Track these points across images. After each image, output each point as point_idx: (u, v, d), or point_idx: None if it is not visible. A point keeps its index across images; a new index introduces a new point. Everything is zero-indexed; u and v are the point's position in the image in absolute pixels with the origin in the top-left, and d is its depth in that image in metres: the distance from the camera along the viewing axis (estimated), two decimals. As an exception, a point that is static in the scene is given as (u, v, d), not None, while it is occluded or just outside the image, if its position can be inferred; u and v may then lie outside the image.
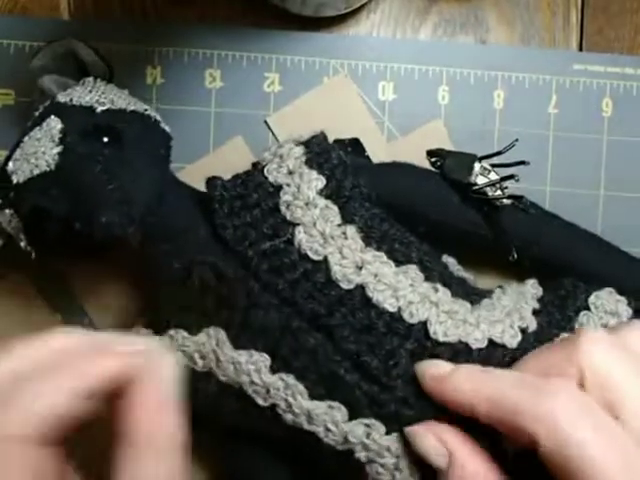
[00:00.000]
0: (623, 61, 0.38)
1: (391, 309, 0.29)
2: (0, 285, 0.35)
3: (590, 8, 0.39)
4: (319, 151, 0.31)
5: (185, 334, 0.29)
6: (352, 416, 0.28)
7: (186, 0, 0.37)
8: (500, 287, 0.33)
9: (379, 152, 0.36)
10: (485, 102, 0.38)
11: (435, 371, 0.28)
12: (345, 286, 0.29)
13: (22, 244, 0.29)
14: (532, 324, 0.30)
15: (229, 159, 0.36)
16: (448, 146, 0.37)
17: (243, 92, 0.37)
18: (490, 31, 0.39)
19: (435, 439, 0.26)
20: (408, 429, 0.27)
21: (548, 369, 0.25)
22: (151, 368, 0.23)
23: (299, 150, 0.31)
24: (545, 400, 0.23)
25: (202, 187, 0.31)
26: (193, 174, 0.36)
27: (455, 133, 0.37)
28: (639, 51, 0.39)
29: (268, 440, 0.30)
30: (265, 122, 0.37)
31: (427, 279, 0.30)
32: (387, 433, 0.28)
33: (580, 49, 0.39)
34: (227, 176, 0.32)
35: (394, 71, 0.37)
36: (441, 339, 0.29)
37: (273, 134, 0.37)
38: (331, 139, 0.32)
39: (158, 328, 0.30)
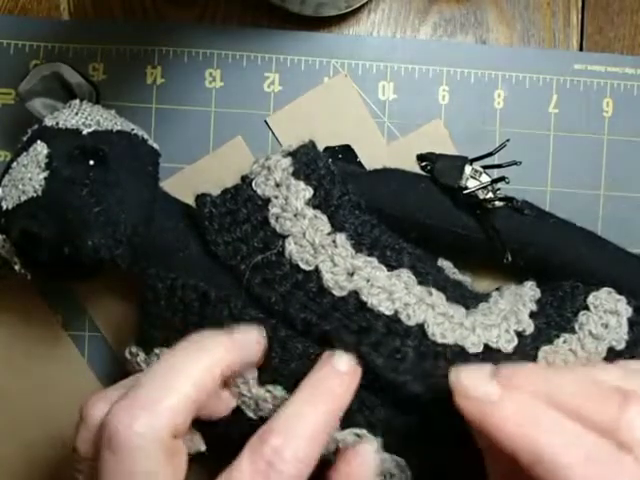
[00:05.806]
0: (623, 61, 0.38)
1: (387, 312, 0.29)
2: (0, 285, 0.35)
3: (590, 8, 0.39)
4: (306, 161, 0.31)
5: None
6: (344, 424, 0.28)
7: (186, 0, 0.37)
8: (497, 290, 0.33)
9: (379, 152, 0.36)
10: (485, 102, 0.38)
11: (476, 391, 0.24)
12: (338, 293, 0.29)
13: (17, 267, 0.30)
14: (529, 327, 0.30)
15: (229, 159, 0.36)
16: (448, 146, 0.37)
17: (243, 92, 0.37)
18: (490, 31, 0.39)
19: None
20: None
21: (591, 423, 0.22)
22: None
23: (286, 162, 0.31)
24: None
25: (201, 188, 0.31)
26: (193, 174, 0.36)
27: (455, 133, 0.37)
28: (639, 51, 0.39)
29: None
30: (265, 122, 0.37)
31: (420, 283, 0.30)
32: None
33: (580, 49, 0.39)
34: (227, 176, 0.32)
35: (394, 71, 0.37)
36: (439, 340, 0.29)
37: (273, 134, 0.37)
38: (331, 139, 0.32)
39: (145, 346, 0.30)
